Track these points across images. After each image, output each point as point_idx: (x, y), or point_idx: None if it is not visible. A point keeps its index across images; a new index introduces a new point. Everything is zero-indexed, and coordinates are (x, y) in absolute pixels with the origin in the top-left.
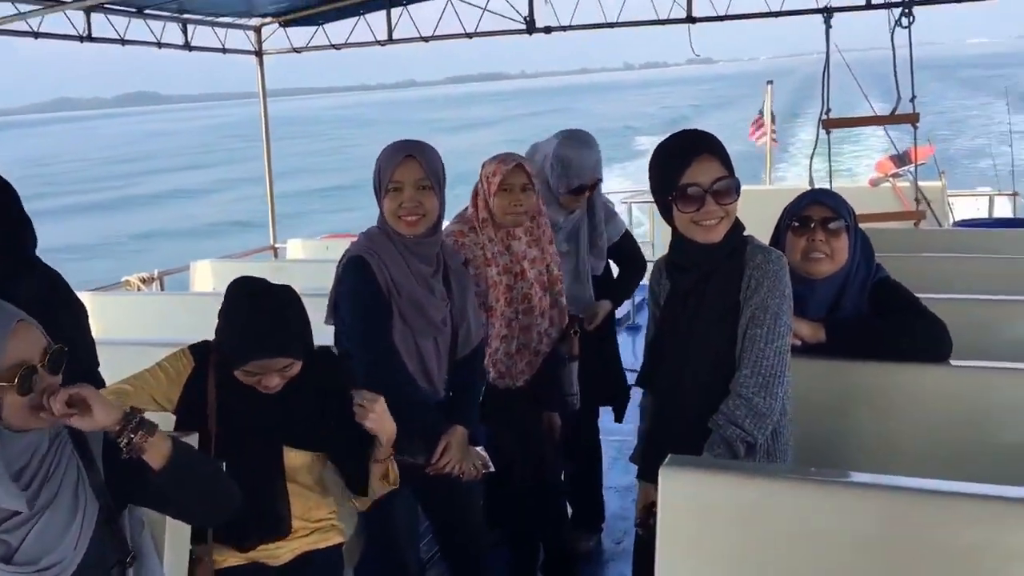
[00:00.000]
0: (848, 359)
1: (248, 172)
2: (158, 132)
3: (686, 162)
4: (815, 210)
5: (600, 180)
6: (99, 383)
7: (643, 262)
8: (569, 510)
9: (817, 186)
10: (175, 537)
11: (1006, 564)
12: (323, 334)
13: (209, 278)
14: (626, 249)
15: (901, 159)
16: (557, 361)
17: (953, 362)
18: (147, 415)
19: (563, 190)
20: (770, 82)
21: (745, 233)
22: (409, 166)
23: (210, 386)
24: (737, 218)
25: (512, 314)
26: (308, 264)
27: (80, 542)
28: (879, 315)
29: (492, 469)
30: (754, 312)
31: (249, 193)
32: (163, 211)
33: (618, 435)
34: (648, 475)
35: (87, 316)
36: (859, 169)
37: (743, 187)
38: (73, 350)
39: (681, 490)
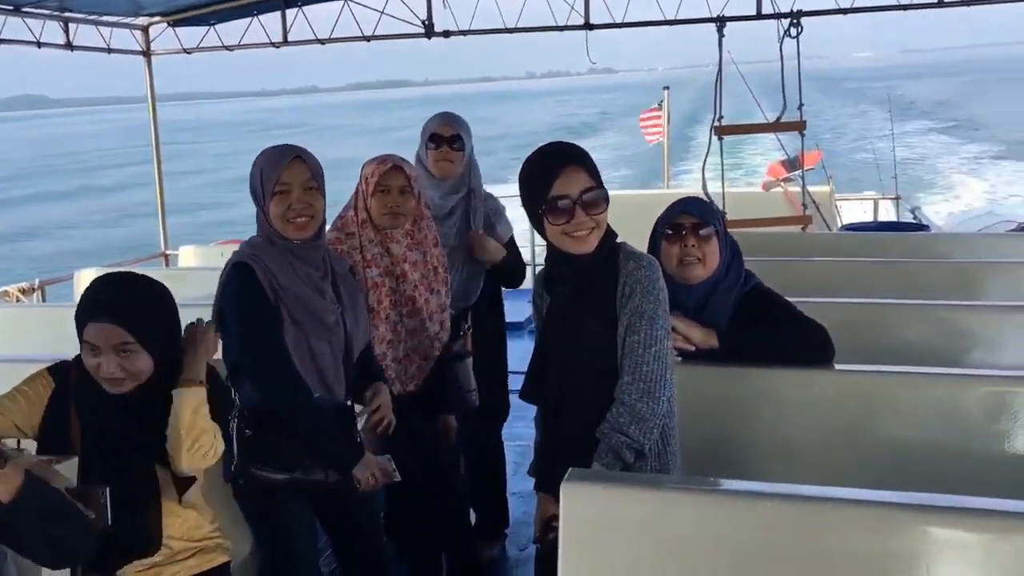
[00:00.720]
0: (737, 365)
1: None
2: (61, 135)
3: (554, 174)
4: (685, 218)
5: (458, 135)
6: None
7: (520, 273)
8: (473, 517)
9: (711, 190)
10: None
11: (895, 569)
12: None
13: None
14: (508, 252)
15: (791, 164)
16: (451, 359)
17: (838, 366)
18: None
19: (422, 147)
20: (666, 88)
21: (619, 240)
22: (296, 168)
23: (72, 408)
24: (609, 226)
25: (397, 317)
26: (202, 272)
27: None
28: (757, 321)
29: (397, 479)
30: (630, 319)
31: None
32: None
33: (520, 440)
34: (545, 487)
35: None
36: (758, 174)
37: (634, 192)
38: None
39: (583, 504)
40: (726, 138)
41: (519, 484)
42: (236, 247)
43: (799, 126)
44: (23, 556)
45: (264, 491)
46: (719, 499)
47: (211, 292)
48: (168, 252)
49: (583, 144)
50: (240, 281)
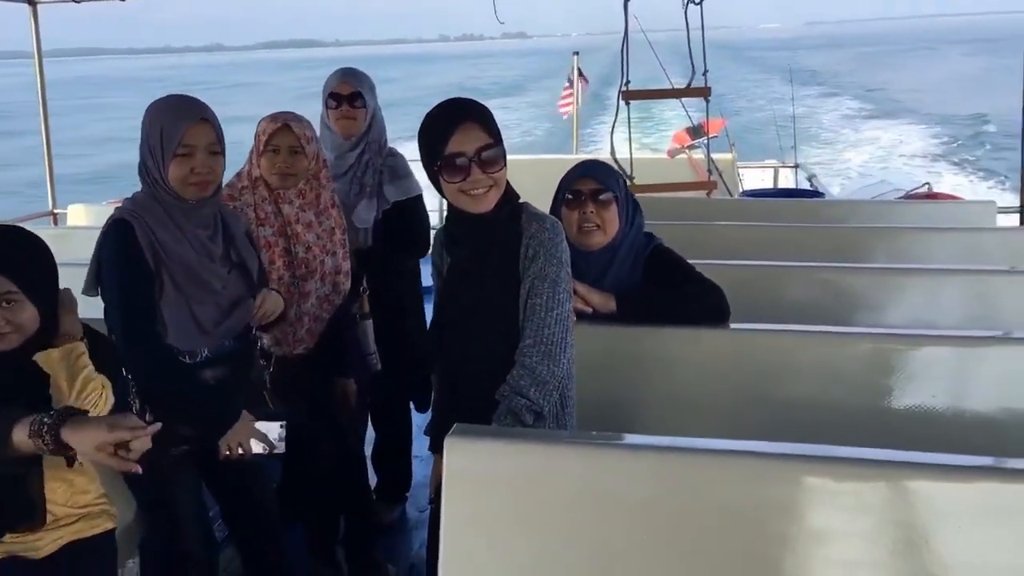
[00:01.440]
0: (632, 325)
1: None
2: None
3: (450, 131)
4: (585, 183)
5: (358, 92)
6: None
7: (421, 236)
8: (374, 480)
9: (618, 156)
10: None
11: (778, 519)
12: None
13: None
14: (406, 215)
15: (696, 131)
16: (348, 322)
17: (732, 325)
18: None
19: (323, 106)
20: (576, 53)
21: (522, 201)
22: (202, 130)
23: None
24: (510, 186)
25: (290, 279)
26: (91, 231)
27: None
28: (658, 283)
29: (281, 450)
30: (533, 282)
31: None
32: None
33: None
34: (439, 447)
35: None
36: (663, 141)
37: (542, 157)
38: None
39: (465, 459)
40: (636, 104)
41: (421, 447)
42: None
43: (703, 92)
44: None
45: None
46: (601, 452)
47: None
48: (56, 211)
49: (497, 103)
50: (117, 239)
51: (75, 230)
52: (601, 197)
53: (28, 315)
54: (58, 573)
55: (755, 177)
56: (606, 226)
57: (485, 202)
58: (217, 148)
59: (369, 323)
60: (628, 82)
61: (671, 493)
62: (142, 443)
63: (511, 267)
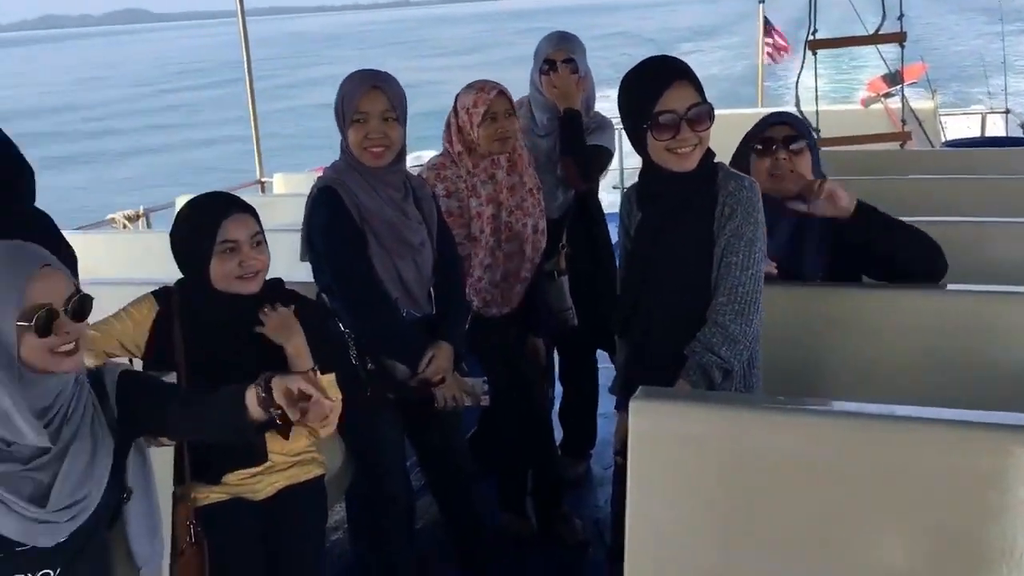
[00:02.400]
0: (828, 285)
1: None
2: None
3: (660, 89)
4: (777, 130)
5: (571, 58)
6: None
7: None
8: (560, 436)
9: (804, 108)
10: (159, 477)
11: (982, 491)
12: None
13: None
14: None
15: (893, 78)
16: (543, 279)
17: (947, 285)
18: (117, 360)
19: (535, 70)
20: (762, 1)
21: (716, 160)
22: (374, 97)
23: (176, 328)
24: (708, 146)
25: (495, 243)
26: (295, 198)
27: (100, 476)
28: (865, 243)
29: (486, 403)
30: (729, 240)
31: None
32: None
33: (609, 361)
34: (626, 406)
35: (76, 264)
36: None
37: (726, 112)
38: None
39: (651, 421)
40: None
41: (606, 404)
42: None
43: (898, 37)
44: (190, 439)
45: (367, 410)
46: (790, 417)
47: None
48: (263, 179)
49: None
50: (325, 205)
51: (281, 197)
52: (793, 146)
53: (267, 258)
54: (274, 514)
55: (960, 126)
56: (799, 175)
57: (690, 160)
58: (391, 115)
59: (565, 279)
60: (815, 30)
61: (863, 461)
62: (318, 408)
63: (705, 225)
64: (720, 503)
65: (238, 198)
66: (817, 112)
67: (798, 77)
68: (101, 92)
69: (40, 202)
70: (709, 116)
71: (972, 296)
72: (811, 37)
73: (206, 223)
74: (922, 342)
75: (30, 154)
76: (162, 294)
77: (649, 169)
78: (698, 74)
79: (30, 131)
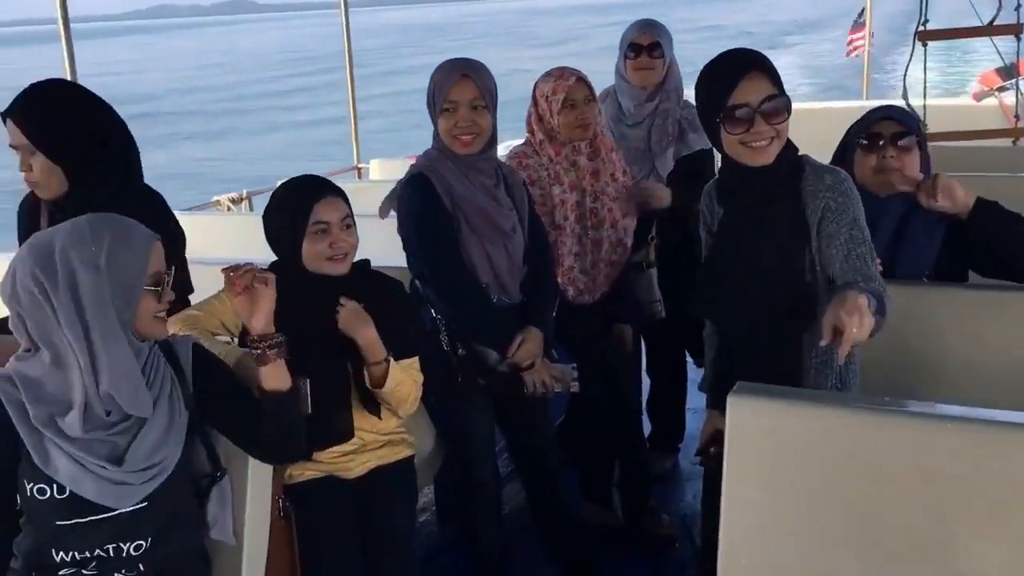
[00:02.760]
0: (934, 285)
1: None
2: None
3: (733, 81)
4: (884, 126)
5: (657, 43)
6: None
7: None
8: (648, 429)
9: (912, 101)
10: (258, 464)
11: None
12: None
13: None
14: (700, 168)
15: (1008, 72)
16: (631, 269)
17: None
18: (220, 338)
19: (620, 57)
20: None
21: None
22: (464, 86)
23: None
24: (789, 139)
25: (582, 230)
26: (390, 184)
27: (176, 443)
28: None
29: (576, 389)
30: (850, 232)
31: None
32: None
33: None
34: (716, 404)
35: (184, 240)
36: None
37: (824, 105)
38: (179, 278)
39: (749, 417)
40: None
41: (695, 400)
42: None
43: (1015, 29)
44: (240, 446)
45: (458, 395)
46: (887, 418)
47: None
48: (360, 165)
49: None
50: (418, 193)
51: (377, 183)
52: (902, 142)
53: (355, 239)
54: (366, 493)
55: None
56: (907, 171)
57: (766, 154)
58: (481, 103)
59: (654, 271)
60: (926, 20)
61: (960, 466)
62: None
63: (792, 221)
64: (815, 502)
65: (330, 181)
66: (925, 105)
67: (906, 69)
68: (223, 77)
69: (188, 173)
70: (786, 109)
71: None
72: (921, 28)
73: (299, 205)
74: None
75: (166, 131)
76: None
77: (728, 164)
78: (803, 64)
79: (175, 110)
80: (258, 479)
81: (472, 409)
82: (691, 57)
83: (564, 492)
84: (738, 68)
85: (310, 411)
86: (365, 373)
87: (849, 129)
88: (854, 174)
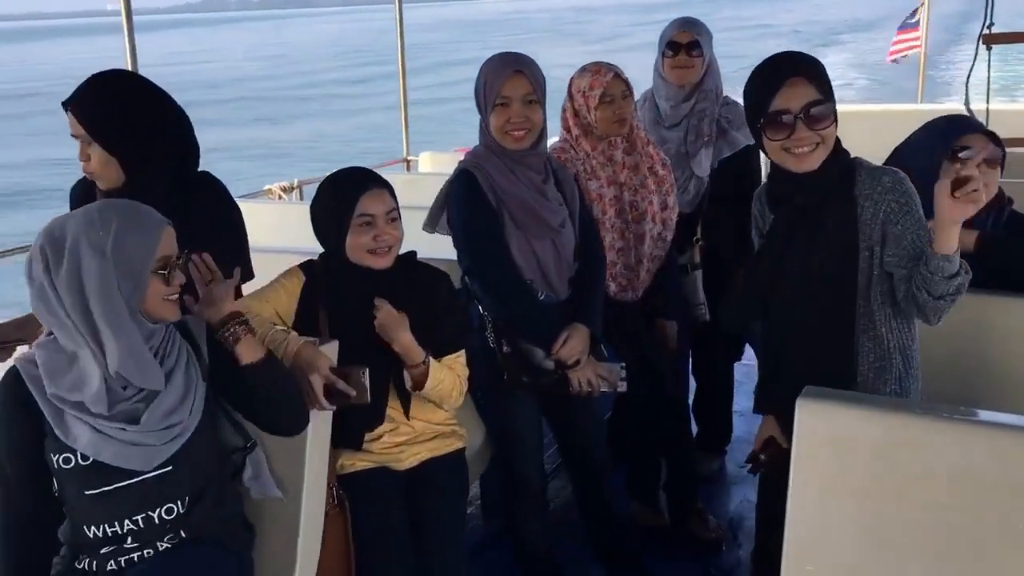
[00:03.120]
0: (987, 292)
1: None
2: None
3: (776, 86)
4: (974, 140)
5: (696, 41)
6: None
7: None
8: (695, 430)
9: (972, 106)
10: (315, 454)
11: None
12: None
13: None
14: (743, 168)
15: None
16: (674, 269)
17: None
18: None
19: (659, 55)
20: None
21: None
22: (516, 81)
23: (319, 300)
24: (839, 143)
25: (623, 225)
26: (438, 177)
27: (195, 410)
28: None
29: (623, 389)
30: (917, 232)
31: None
32: None
33: (748, 359)
34: (766, 409)
35: (245, 229)
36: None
37: (878, 107)
38: (234, 262)
39: (817, 421)
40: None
41: (742, 402)
42: None
43: None
44: (248, 419)
45: (504, 392)
46: (959, 426)
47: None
48: (409, 157)
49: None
50: (463, 189)
51: (426, 176)
52: (987, 157)
53: (401, 232)
54: (417, 484)
55: None
56: (990, 188)
57: (809, 161)
58: (533, 97)
59: (699, 274)
60: (992, 23)
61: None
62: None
63: (845, 227)
64: (882, 508)
65: (376, 174)
66: (988, 110)
67: (969, 73)
68: (288, 67)
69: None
70: (831, 115)
71: None
72: (986, 31)
73: (345, 197)
74: None
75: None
76: (308, 266)
77: (776, 170)
78: (857, 62)
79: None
80: (317, 440)
81: (518, 406)
82: (743, 53)
83: (610, 491)
84: (781, 73)
85: (370, 400)
86: (405, 375)
87: (931, 133)
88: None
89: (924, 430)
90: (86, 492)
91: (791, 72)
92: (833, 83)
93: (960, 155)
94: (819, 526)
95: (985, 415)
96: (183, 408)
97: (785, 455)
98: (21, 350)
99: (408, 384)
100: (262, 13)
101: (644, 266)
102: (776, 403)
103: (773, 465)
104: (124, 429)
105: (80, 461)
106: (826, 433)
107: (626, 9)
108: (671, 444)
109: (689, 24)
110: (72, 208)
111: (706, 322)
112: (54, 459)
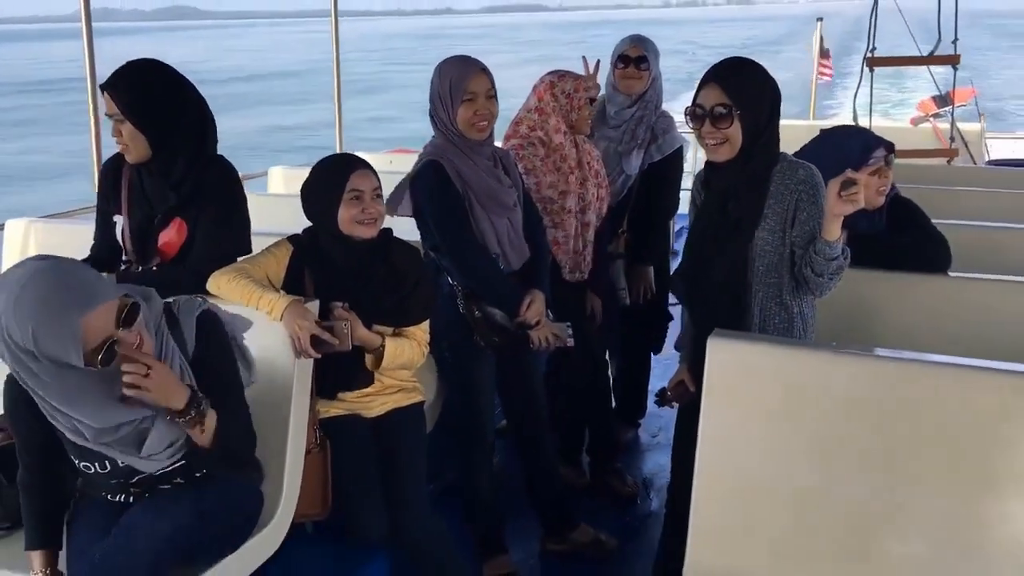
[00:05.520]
0: (865, 269)
1: None
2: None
3: (701, 85)
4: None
5: (644, 56)
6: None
7: (675, 201)
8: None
9: (859, 123)
10: (299, 399)
11: (1006, 428)
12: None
13: (282, 183)
14: (667, 171)
15: (943, 100)
16: (605, 257)
17: (950, 274)
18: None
19: (611, 67)
20: (820, 19)
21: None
22: (480, 79)
23: (305, 268)
24: (775, 143)
25: (580, 213)
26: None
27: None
28: (899, 226)
29: (571, 344)
30: (818, 220)
31: None
32: None
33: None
34: (684, 358)
35: (247, 205)
36: (904, 109)
37: (790, 122)
38: (239, 236)
39: (726, 358)
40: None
41: (652, 383)
42: (403, 155)
43: (952, 60)
44: None
45: (472, 352)
46: (846, 359)
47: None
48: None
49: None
50: (434, 177)
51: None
52: (887, 159)
53: (384, 211)
54: (383, 429)
55: (1006, 148)
56: (883, 189)
57: (718, 153)
58: (493, 93)
59: (621, 262)
60: (874, 48)
61: (900, 396)
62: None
63: (752, 210)
64: (778, 427)
65: (362, 158)
66: (871, 127)
67: (856, 91)
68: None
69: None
70: (732, 119)
71: (977, 283)
72: (869, 54)
73: (338, 174)
74: (931, 323)
75: None
76: (295, 239)
77: (708, 160)
78: None
79: None
80: (301, 387)
81: (482, 366)
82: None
83: (550, 445)
84: (707, 75)
85: (351, 347)
86: (366, 356)
87: (843, 147)
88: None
89: (818, 361)
90: (110, 482)
91: (711, 76)
92: None
93: (870, 162)
94: (726, 446)
95: (865, 350)
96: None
97: (691, 396)
98: None
99: (369, 363)
100: (154, 24)
101: (588, 250)
102: (690, 355)
103: (681, 399)
104: (129, 455)
105: (99, 470)
106: (733, 365)
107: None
108: (594, 413)
109: (639, 41)
110: (103, 184)
111: (626, 306)
112: (76, 462)
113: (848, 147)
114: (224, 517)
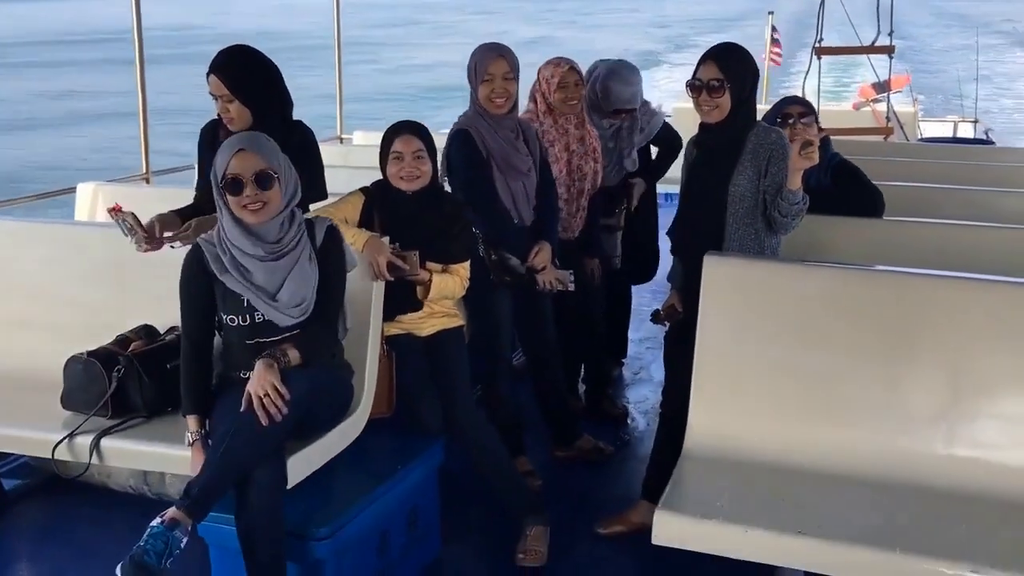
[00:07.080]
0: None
1: None
2: None
3: (700, 62)
4: (793, 108)
5: (635, 109)
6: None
7: (678, 144)
8: None
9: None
10: (376, 313)
11: (917, 311)
12: None
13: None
14: (663, 135)
15: (881, 87)
16: (603, 229)
17: (886, 218)
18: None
19: (603, 110)
20: (771, 13)
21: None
22: (499, 63)
23: (375, 211)
24: (747, 106)
25: (570, 181)
26: (371, 149)
27: (312, 291)
28: (843, 183)
29: (572, 288)
30: (784, 174)
31: None
32: None
33: (644, 292)
34: (676, 286)
35: (322, 160)
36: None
37: None
38: (316, 184)
39: (722, 274)
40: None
41: (632, 332)
42: None
43: (887, 49)
44: None
45: (490, 288)
46: (811, 270)
47: (374, 164)
48: (343, 136)
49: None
50: (462, 143)
51: (359, 147)
52: (804, 120)
53: (429, 167)
54: (434, 346)
55: (935, 130)
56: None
57: (710, 117)
58: (511, 75)
59: (619, 234)
60: (821, 39)
61: (870, 304)
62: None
63: (728, 166)
64: (775, 338)
65: (413, 122)
66: (818, 108)
67: (805, 76)
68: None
69: None
70: (724, 90)
71: (911, 226)
72: (817, 44)
73: (386, 139)
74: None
75: None
76: (366, 189)
77: (701, 124)
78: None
79: None
80: (377, 304)
81: (499, 299)
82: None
83: (557, 367)
84: (705, 54)
85: (419, 273)
86: (418, 289)
87: (765, 115)
88: None
89: (792, 272)
90: (247, 342)
91: (708, 55)
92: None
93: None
94: (720, 353)
95: (824, 264)
96: (306, 286)
97: (679, 316)
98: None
99: (419, 294)
100: None
101: (580, 214)
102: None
103: (672, 319)
104: (265, 303)
105: (241, 323)
106: (725, 280)
107: None
108: (587, 350)
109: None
110: (201, 152)
111: (617, 269)
112: (224, 318)
113: (770, 112)
114: (328, 399)
